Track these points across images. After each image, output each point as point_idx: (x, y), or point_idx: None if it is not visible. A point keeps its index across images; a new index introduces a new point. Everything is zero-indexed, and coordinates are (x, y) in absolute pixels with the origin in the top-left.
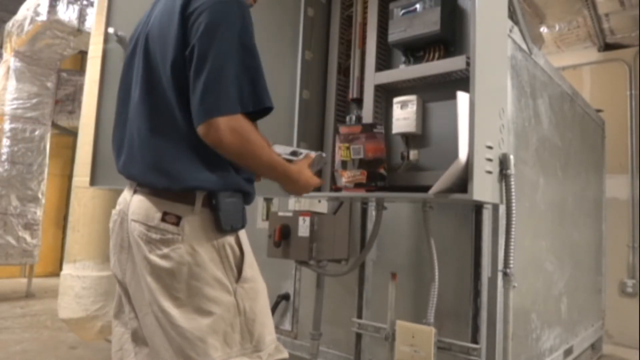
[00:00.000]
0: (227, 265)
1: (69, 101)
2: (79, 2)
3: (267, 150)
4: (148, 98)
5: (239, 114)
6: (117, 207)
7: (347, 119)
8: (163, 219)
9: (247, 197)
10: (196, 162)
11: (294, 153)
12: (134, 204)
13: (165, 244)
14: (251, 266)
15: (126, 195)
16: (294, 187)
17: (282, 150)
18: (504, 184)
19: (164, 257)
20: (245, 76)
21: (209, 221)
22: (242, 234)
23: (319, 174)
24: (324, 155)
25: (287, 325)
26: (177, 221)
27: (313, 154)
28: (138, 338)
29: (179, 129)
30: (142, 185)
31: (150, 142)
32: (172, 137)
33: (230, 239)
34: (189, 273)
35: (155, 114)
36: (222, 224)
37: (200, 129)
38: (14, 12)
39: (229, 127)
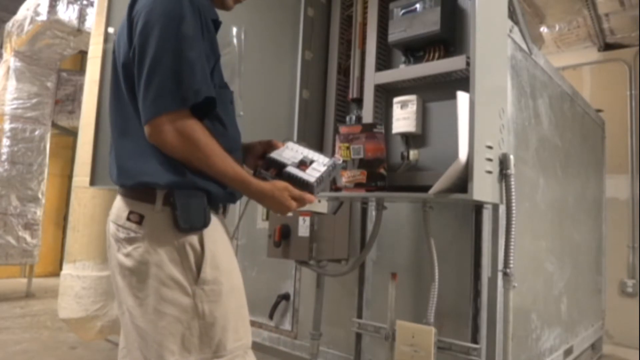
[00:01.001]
0: (186, 265)
1: (69, 101)
2: (79, 2)
3: (221, 157)
4: (114, 101)
5: (183, 112)
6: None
7: (347, 119)
8: (128, 218)
9: (211, 197)
10: (153, 160)
11: (302, 162)
12: (114, 204)
13: (129, 243)
14: (216, 267)
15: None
16: (263, 204)
17: (291, 154)
18: (504, 184)
19: (127, 255)
20: (185, 69)
21: (170, 220)
22: (212, 233)
23: (333, 180)
24: (339, 162)
25: (287, 325)
26: (140, 220)
27: (323, 168)
28: None
29: (138, 129)
30: (118, 186)
31: (117, 144)
32: (134, 138)
33: (192, 239)
34: (147, 272)
35: (120, 116)
36: (180, 222)
37: (146, 130)
38: (14, 12)
39: (172, 127)
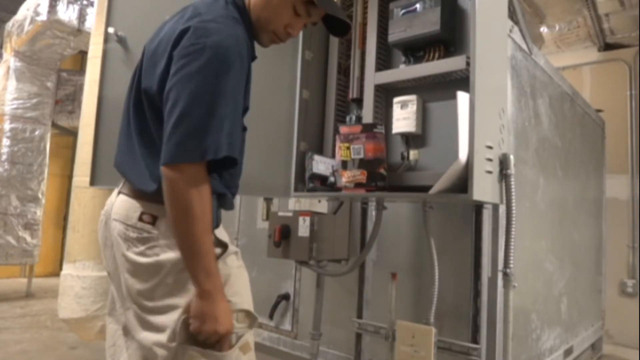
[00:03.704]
0: None
1: (69, 101)
2: (79, 2)
3: (206, 230)
4: (135, 111)
5: (198, 165)
6: (104, 209)
7: (347, 119)
8: (140, 218)
9: (222, 199)
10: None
11: (335, 172)
12: (117, 204)
13: (142, 242)
14: (225, 265)
15: (112, 196)
16: (202, 303)
17: (324, 167)
18: (504, 184)
19: (140, 254)
20: (214, 125)
21: None
22: (219, 233)
23: (334, 181)
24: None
25: (287, 325)
26: (154, 220)
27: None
28: (128, 332)
29: (156, 140)
30: (125, 187)
31: (136, 150)
32: (156, 148)
33: None
34: (162, 270)
35: (142, 126)
36: None
37: (162, 170)
38: (14, 12)
39: (184, 177)
